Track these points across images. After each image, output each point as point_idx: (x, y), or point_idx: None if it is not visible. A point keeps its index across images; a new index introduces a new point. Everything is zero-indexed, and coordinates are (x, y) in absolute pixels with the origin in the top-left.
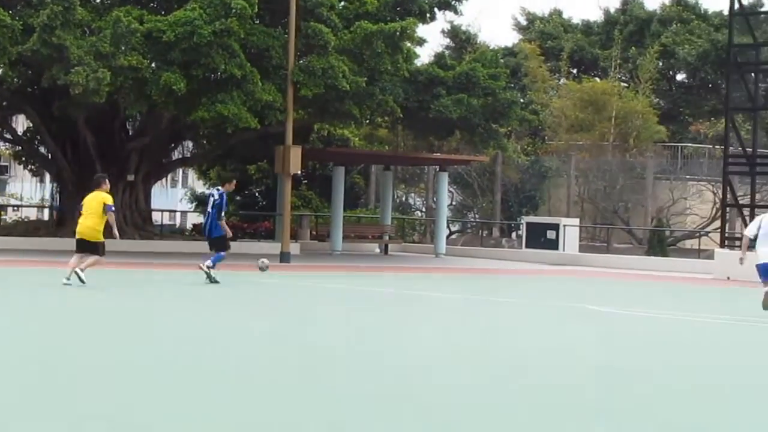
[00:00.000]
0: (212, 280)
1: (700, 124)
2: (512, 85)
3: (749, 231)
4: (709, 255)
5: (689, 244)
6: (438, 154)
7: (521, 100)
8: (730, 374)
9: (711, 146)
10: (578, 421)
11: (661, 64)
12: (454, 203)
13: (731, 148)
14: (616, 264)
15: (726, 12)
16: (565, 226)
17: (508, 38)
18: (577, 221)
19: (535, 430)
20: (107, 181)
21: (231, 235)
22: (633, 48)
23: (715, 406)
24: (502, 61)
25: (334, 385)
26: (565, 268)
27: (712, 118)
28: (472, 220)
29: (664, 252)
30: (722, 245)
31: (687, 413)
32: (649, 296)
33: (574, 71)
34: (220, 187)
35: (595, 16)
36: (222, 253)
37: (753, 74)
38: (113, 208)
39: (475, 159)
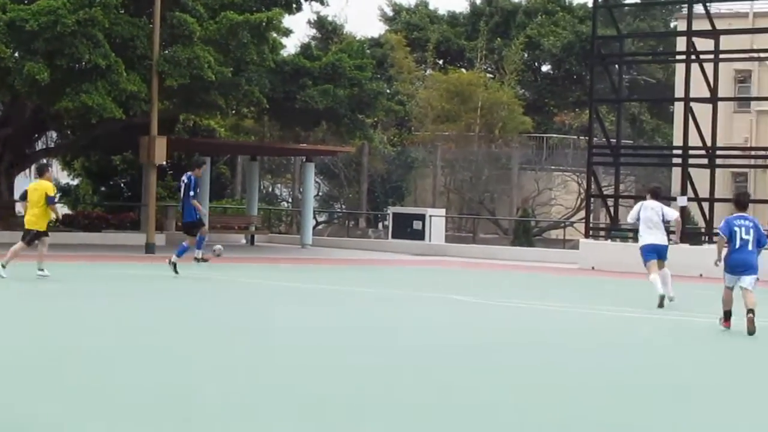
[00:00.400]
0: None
1: (565, 115)
2: (378, 75)
3: (630, 217)
4: (574, 245)
5: (554, 234)
6: (304, 144)
7: (387, 91)
8: (569, 357)
9: (576, 137)
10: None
11: (526, 55)
12: (320, 194)
13: (595, 138)
14: (482, 254)
15: (590, 4)
16: (431, 216)
17: (375, 29)
18: (443, 211)
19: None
20: (50, 169)
21: (201, 215)
22: (499, 39)
23: (533, 385)
24: (368, 51)
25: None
26: (431, 259)
27: (577, 109)
28: (339, 210)
29: (529, 242)
30: (587, 235)
31: (487, 391)
32: (512, 286)
33: (440, 62)
34: (189, 173)
35: (461, 7)
36: (197, 238)
37: (617, 66)
38: (55, 200)
39: (341, 150)
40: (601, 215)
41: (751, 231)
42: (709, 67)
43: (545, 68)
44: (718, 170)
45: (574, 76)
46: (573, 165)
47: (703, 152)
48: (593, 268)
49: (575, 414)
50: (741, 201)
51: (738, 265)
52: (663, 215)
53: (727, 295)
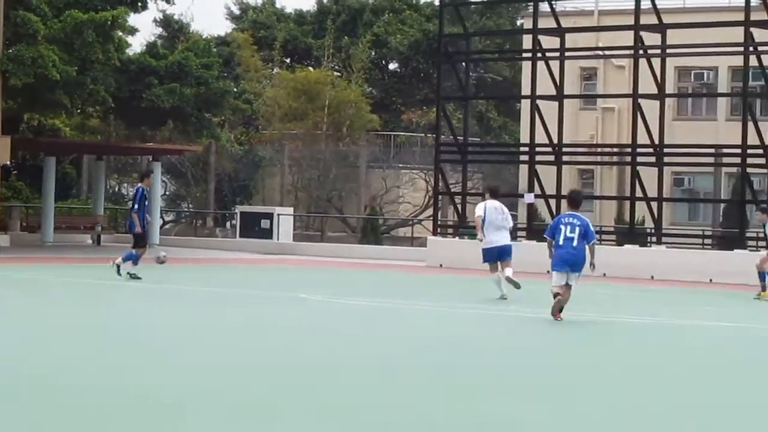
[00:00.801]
0: (132, 276)
1: (413, 113)
2: (225, 74)
3: (477, 212)
4: (422, 243)
5: (402, 232)
6: (151, 143)
7: (234, 90)
8: (399, 353)
9: (423, 135)
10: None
11: (373, 53)
12: (167, 193)
13: (443, 136)
14: (330, 252)
15: (437, 2)
16: (279, 215)
17: (221, 27)
18: (291, 210)
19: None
20: None
21: (139, 231)
22: (346, 38)
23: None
24: (214, 50)
25: None
26: (279, 257)
27: (424, 107)
28: (186, 209)
29: (377, 240)
30: (435, 233)
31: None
32: (358, 284)
33: (288, 61)
34: (138, 183)
35: (309, 5)
36: (132, 251)
37: (463, 63)
38: None
39: (188, 149)
40: (449, 213)
41: (577, 228)
42: (555, 65)
43: (392, 66)
44: (564, 167)
45: (422, 74)
46: (421, 163)
47: (549, 149)
48: (441, 265)
49: (401, 413)
50: (574, 199)
51: (562, 261)
52: (505, 214)
53: (556, 291)
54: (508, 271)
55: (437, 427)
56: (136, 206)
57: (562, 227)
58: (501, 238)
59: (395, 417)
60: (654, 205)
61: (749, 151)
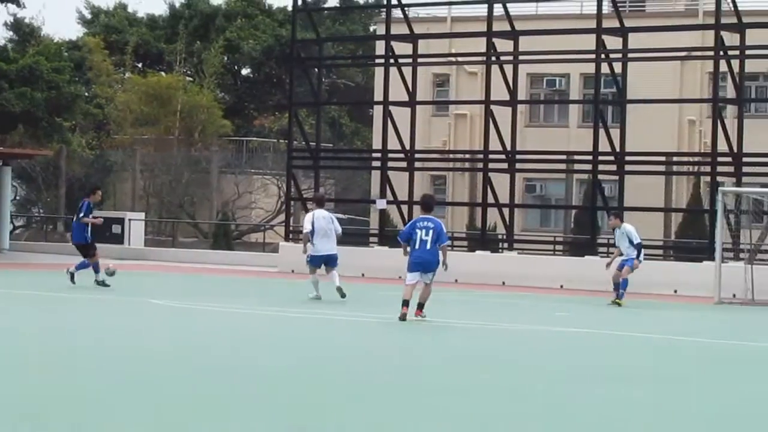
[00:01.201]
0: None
1: (265, 119)
2: (77, 78)
3: (305, 227)
4: (274, 248)
5: (255, 237)
6: (1, 148)
7: (86, 94)
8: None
9: (276, 140)
10: None
11: (226, 58)
12: (17, 198)
13: (295, 142)
14: (182, 258)
15: (290, 8)
16: (130, 220)
17: (73, 31)
18: (142, 215)
19: None
20: None
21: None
22: (198, 42)
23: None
24: (66, 54)
25: None
26: (131, 263)
27: (277, 113)
28: (37, 214)
29: (229, 245)
30: (287, 238)
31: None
32: (206, 289)
33: (140, 65)
34: (86, 198)
35: (161, 10)
36: (85, 260)
37: (316, 69)
38: None
39: (38, 153)
40: (301, 218)
41: (431, 232)
42: (407, 71)
43: (245, 71)
44: (416, 173)
45: (274, 80)
46: (273, 168)
47: (401, 155)
48: (293, 271)
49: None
50: (426, 203)
51: (417, 263)
52: (333, 222)
53: (408, 289)
54: (337, 280)
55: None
56: (80, 214)
57: (418, 231)
58: (328, 247)
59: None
60: (506, 211)
61: (600, 157)
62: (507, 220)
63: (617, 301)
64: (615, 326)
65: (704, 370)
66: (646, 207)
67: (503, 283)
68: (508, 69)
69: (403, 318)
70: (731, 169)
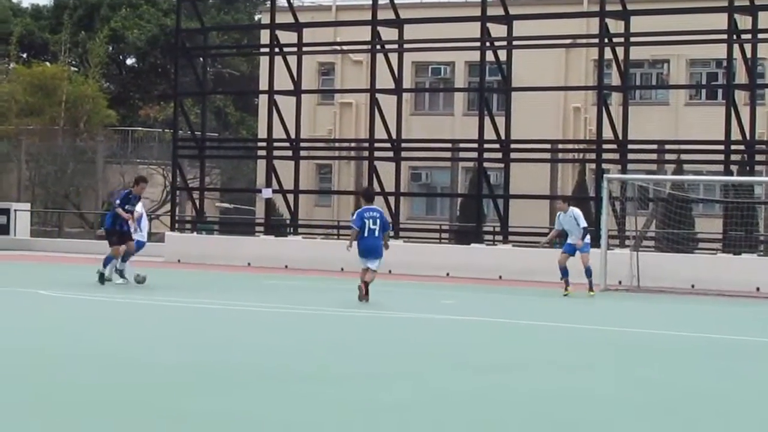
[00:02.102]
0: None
1: (150, 108)
2: None
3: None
4: (160, 238)
5: None
6: None
7: None
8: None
9: (161, 130)
10: None
11: (111, 48)
12: None
13: (180, 131)
14: (68, 248)
15: None
16: (15, 210)
17: None
18: (28, 206)
19: None
20: None
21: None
22: (83, 32)
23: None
24: None
25: None
26: (16, 253)
27: (162, 102)
28: None
29: None
30: (173, 228)
31: None
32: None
33: (24, 56)
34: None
35: (45, 0)
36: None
37: (201, 59)
38: None
39: None
40: (187, 208)
41: (378, 221)
42: (292, 60)
43: (130, 61)
44: (302, 162)
45: (159, 69)
46: (159, 158)
47: (287, 144)
48: (179, 260)
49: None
50: (368, 194)
51: (368, 250)
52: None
53: (363, 273)
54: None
55: None
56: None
57: (366, 221)
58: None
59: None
60: (391, 199)
61: (486, 145)
62: (392, 208)
63: (591, 292)
64: (501, 314)
65: (588, 356)
66: (531, 194)
67: (390, 271)
68: (393, 57)
69: (361, 299)
70: (616, 156)
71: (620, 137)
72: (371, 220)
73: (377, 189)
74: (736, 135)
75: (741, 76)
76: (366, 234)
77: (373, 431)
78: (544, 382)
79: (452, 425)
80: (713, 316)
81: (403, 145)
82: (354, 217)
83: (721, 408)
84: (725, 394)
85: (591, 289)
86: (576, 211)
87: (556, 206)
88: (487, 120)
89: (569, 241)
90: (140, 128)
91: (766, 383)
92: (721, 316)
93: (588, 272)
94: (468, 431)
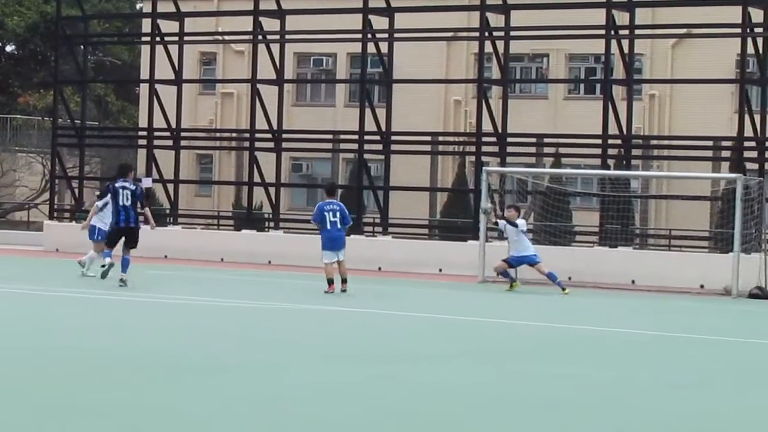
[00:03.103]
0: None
1: (30, 96)
2: None
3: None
4: (38, 227)
5: (19, 216)
6: None
7: None
8: None
9: (40, 118)
10: None
11: None
12: None
13: (60, 120)
14: None
15: None
16: None
17: None
18: None
19: None
20: None
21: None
22: None
23: None
24: None
25: None
26: None
27: (42, 90)
28: None
29: None
30: (51, 217)
31: None
32: None
33: None
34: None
35: None
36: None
37: (82, 47)
38: None
39: None
40: (66, 197)
41: (338, 213)
42: (174, 49)
43: (9, 48)
44: (183, 152)
45: (40, 57)
46: (38, 146)
47: (168, 134)
48: (57, 250)
49: None
50: (330, 189)
51: (332, 241)
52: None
53: (329, 267)
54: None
55: None
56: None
57: (326, 214)
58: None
59: None
60: (272, 190)
61: (367, 137)
62: (273, 199)
63: (565, 292)
64: (378, 305)
65: (461, 348)
66: (411, 186)
67: (269, 261)
68: (275, 48)
69: (331, 291)
70: (496, 149)
71: (500, 130)
72: (331, 213)
73: (257, 180)
74: (613, 129)
75: (619, 72)
76: (329, 226)
77: (259, 421)
78: (421, 375)
79: (324, 418)
80: (589, 309)
81: (284, 135)
82: (314, 211)
83: (599, 399)
84: (602, 384)
85: (563, 290)
86: (521, 220)
87: (507, 214)
88: (368, 111)
89: (511, 253)
90: (19, 116)
91: (631, 373)
92: (596, 308)
93: (551, 276)
94: (344, 424)
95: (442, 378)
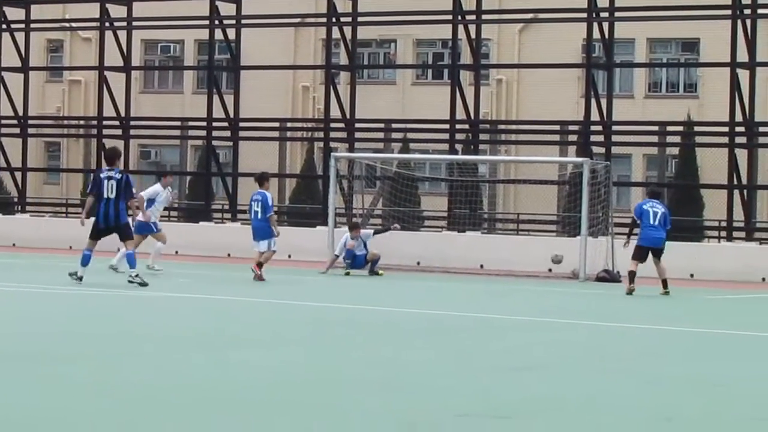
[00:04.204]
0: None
1: None
2: None
3: None
4: None
5: None
6: None
7: None
8: None
9: None
10: None
11: None
12: None
13: None
14: None
15: None
16: None
17: None
18: None
19: None
20: None
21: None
22: None
23: None
24: None
25: None
26: None
27: None
28: None
29: None
30: None
31: None
32: None
33: None
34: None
35: None
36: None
37: None
38: None
39: None
40: None
41: (260, 203)
42: (20, 36)
43: None
44: (30, 139)
45: None
46: None
47: (15, 122)
48: None
49: None
50: (258, 178)
51: (252, 231)
52: None
53: (265, 255)
54: None
55: None
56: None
57: (252, 203)
58: None
59: None
60: None
61: (215, 123)
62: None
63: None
64: (231, 292)
65: (306, 334)
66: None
67: (118, 249)
68: (122, 35)
69: (259, 279)
70: (344, 134)
71: (348, 116)
72: (255, 203)
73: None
74: (461, 114)
75: (466, 57)
76: (252, 216)
77: (96, 409)
78: (270, 358)
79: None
80: (437, 293)
81: (132, 122)
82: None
83: (441, 381)
84: (443, 366)
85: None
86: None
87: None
88: (216, 98)
89: None
90: None
91: (474, 356)
92: (443, 292)
93: None
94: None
95: (275, 362)
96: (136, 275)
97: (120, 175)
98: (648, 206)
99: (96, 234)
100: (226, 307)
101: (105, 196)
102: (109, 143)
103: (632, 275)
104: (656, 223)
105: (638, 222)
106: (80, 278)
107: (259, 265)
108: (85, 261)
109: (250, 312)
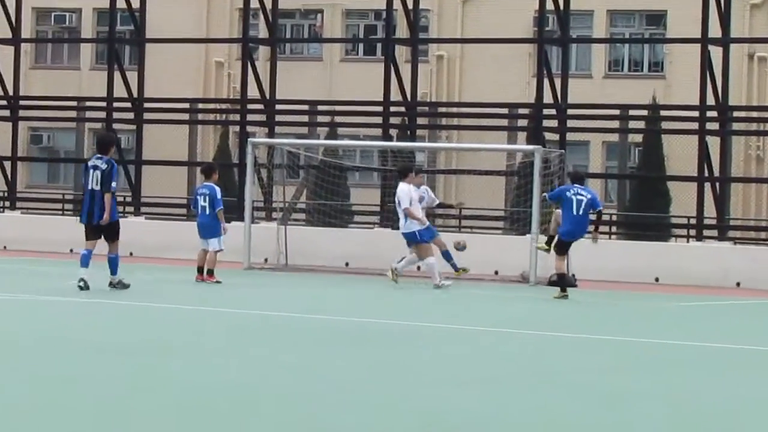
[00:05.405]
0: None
1: None
2: None
3: None
4: None
5: None
6: None
7: None
8: None
9: None
10: None
11: None
12: None
13: None
14: None
15: None
16: None
17: None
18: None
19: None
20: None
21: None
22: None
23: None
24: None
25: None
26: None
27: None
28: None
29: None
30: None
31: None
32: None
33: None
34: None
35: None
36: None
37: None
38: None
39: None
40: None
41: (207, 197)
42: None
43: None
44: None
45: None
46: None
47: None
48: None
49: None
50: (204, 169)
51: (198, 228)
52: None
53: (200, 255)
54: None
55: None
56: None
57: (198, 197)
58: None
59: None
60: (7, 165)
61: (116, 104)
62: (9, 175)
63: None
64: (139, 297)
65: (217, 340)
66: (167, 161)
67: (5, 247)
68: (10, 3)
69: (217, 281)
70: (263, 117)
71: (267, 96)
72: (201, 197)
73: None
74: (396, 95)
75: (402, 30)
76: (199, 211)
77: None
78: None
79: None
80: (370, 299)
81: (22, 102)
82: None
83: (384, 395)
84: (385, 378)
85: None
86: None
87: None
88: (117, 75)
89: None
90: None
91: (418, 368)
92: (376, 298)
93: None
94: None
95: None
96: (119, 281)
97: (106, 165)
98: (571, 193)
99: (89, 232)
100: (117, 311)
101: (89, 187)
102: None
103: (563, 277)
104: (581, 213)
105: (552, 205)
106: (85, 283)
107: (203, 270)
108: (84, 261)
109: (167, 319)
